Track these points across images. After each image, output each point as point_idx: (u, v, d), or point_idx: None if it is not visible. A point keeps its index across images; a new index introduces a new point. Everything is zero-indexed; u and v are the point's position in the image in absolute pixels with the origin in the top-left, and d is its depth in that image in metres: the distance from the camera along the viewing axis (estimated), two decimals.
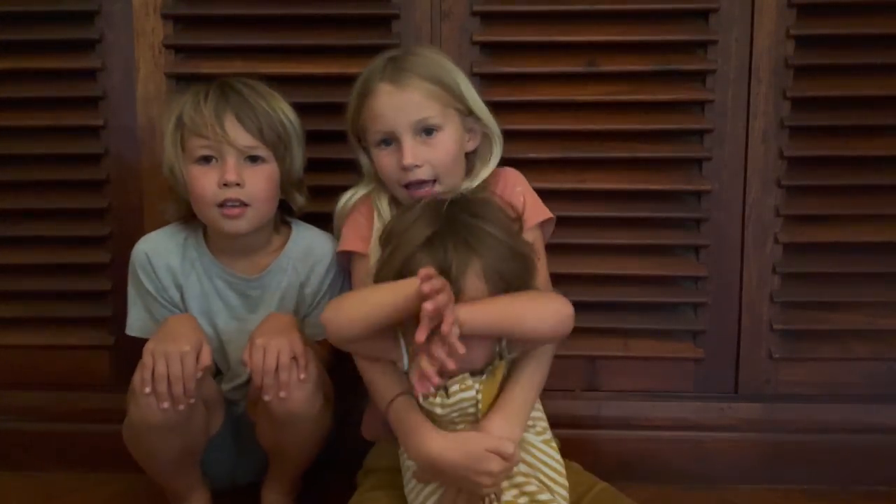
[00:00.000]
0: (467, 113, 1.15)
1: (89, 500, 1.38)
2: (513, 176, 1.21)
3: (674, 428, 1.45)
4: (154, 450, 1.13)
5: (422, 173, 1.11)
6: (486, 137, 1.19)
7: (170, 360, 1.02)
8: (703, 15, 1.39)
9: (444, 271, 0.93)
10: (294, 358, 1.06)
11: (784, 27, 1.38)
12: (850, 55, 1.39)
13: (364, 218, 1.19)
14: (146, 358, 1.03)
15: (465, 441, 0.99)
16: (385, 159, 1.13)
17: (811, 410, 1.44)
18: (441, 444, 0.99)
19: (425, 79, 1.10)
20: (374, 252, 1.13)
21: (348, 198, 1.22)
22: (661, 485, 1.41)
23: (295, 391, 1.07)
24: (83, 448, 1.45)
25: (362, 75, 1.16)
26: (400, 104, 1.10)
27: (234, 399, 1.29)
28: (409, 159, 1.09)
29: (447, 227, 0.98)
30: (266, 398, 1.06)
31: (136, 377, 1.04)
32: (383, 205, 1.18)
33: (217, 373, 1.28)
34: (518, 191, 1.18)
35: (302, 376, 1.06)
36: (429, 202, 1.05)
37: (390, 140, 1.12)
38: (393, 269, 0.98)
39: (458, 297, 0.94)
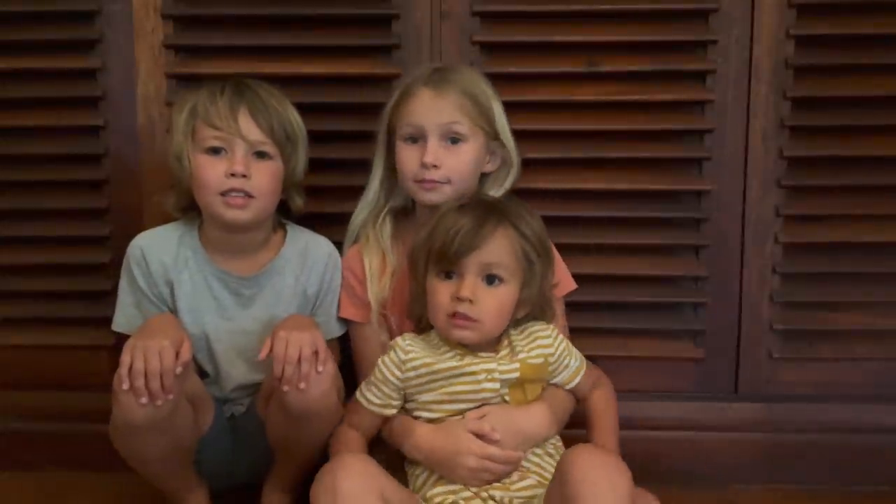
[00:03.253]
0: (494, 136, 1.24)
1: (89, 500, 1.38)
2: None
3: (674, 428, 1.45)
4: (141, 449, 1.13)
5: (437, 174, 1.19)
6: (505, 164, 1.27)
7: (148, 355, 1.02)
8: (703, 15, 1.39)
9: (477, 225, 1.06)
10: (315, 352, 1.07)
11: (784, 27, 1.38)
12: (850, 55, 1.39)
13: (354, 277, 1.27)
14: (125, 355, 1.03)
15: (448, 426, 1.08)
16: (407, 152, 1.21)
17: (811, 410, 1.44)
18: (426, 430, 1.10)
19: (462, 93, 1.20)
20: (373, 296, 1.25)
21: (353, 218, 1.29)
22: (661, 485, 1.40)
23: (313, 385, 1.08)
24: (83, 448, 1.45)
25: (406, 79, 1.26)
26: (434, 108, 1.19)
27: (233, 399, 1.29)
28: (429, 157, 1.18)
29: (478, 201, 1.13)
30: (285, 388, 1.07)
31: (116, 375, 1.04)
32: (384, 236, 1.26)
33: (203, 375, 1.28)
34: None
35: (320, 369, 1.07)
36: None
37: (417, 137, 1.21)
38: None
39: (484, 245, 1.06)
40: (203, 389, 1.22)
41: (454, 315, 1.06)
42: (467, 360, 1.09)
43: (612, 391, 1.23)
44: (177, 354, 1.04)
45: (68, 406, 1.47)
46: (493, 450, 1.04)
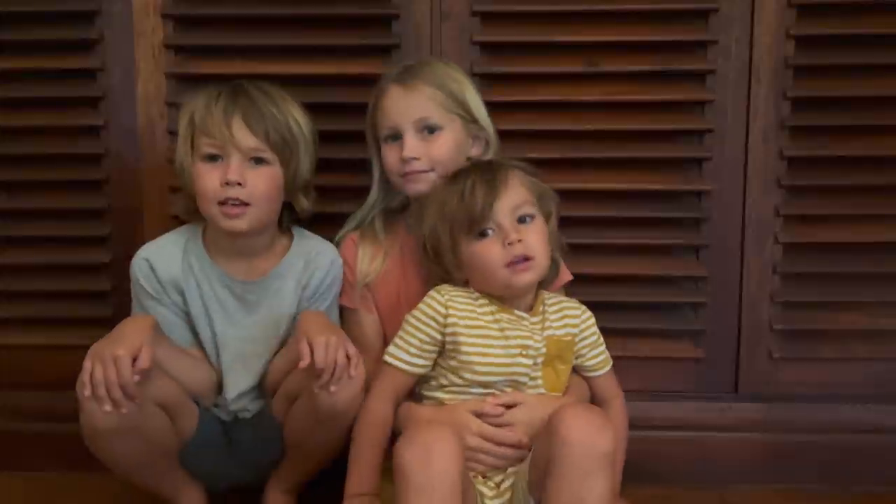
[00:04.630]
0: (472, 120, 1.25)
1: (89, 500, 1.38)
2: None
3: (674, 428, 1.45)
4: (112, 453, 1.13)
5: (418, 165, 1.21)
6: (488, 147, 1.28)
7: (105, 364, 1.02)
8: (703, 15, 1.39)
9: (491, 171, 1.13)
10: (347, 356, 1.08)
11: (784, 27, 1.38)
12: (850, 55, 1.39)
13: (346, 266, 1.28)
14: (86, 360, 1.04)
15: (451, 405, 1.11)
16: (390, 152, 1.24)
17: (811, 410, 1.44)
18: (431, 410, 1.12)
19: (431, 85, 1.22)
20: (361, 275, 1.27)
21: (349, 220, 1.32)
22: (661, 485, 1.41)
23: (345, 388, 1.09)
24: (83, 448, 1.43)
25: (380, 79, 1.27)
26: (405, 104, 1.21)
27: (239, 408, 1.28)
28: (407, 152, 1.21)
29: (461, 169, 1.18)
30: (317, 391, 1.08)
31: (78, 380, 1.04)
32: (378, 226, 1.29)
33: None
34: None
35: (353, 373, 1.08)
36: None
37: (396, 136, 1.23)
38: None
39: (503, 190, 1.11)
40: (182, 394, 1.20)
41: (512, 263, 1.08)
42: (504, 315, 1.12)
43: (626, 418, 1.22)
44: (135, 361, 1.03)
45: (68, 406, 1.46)
46: (491, 428, 1.06)
